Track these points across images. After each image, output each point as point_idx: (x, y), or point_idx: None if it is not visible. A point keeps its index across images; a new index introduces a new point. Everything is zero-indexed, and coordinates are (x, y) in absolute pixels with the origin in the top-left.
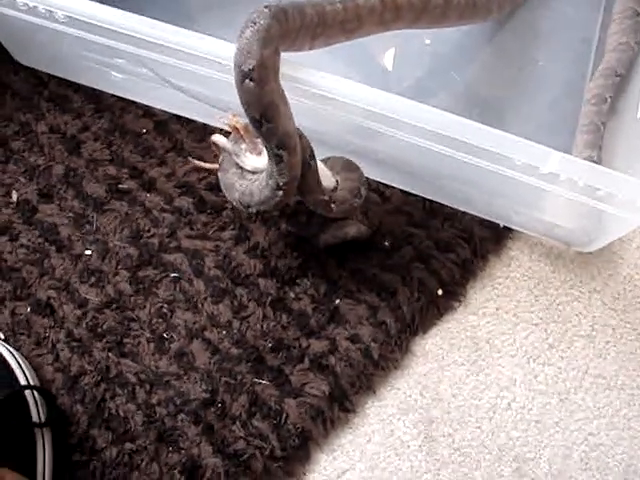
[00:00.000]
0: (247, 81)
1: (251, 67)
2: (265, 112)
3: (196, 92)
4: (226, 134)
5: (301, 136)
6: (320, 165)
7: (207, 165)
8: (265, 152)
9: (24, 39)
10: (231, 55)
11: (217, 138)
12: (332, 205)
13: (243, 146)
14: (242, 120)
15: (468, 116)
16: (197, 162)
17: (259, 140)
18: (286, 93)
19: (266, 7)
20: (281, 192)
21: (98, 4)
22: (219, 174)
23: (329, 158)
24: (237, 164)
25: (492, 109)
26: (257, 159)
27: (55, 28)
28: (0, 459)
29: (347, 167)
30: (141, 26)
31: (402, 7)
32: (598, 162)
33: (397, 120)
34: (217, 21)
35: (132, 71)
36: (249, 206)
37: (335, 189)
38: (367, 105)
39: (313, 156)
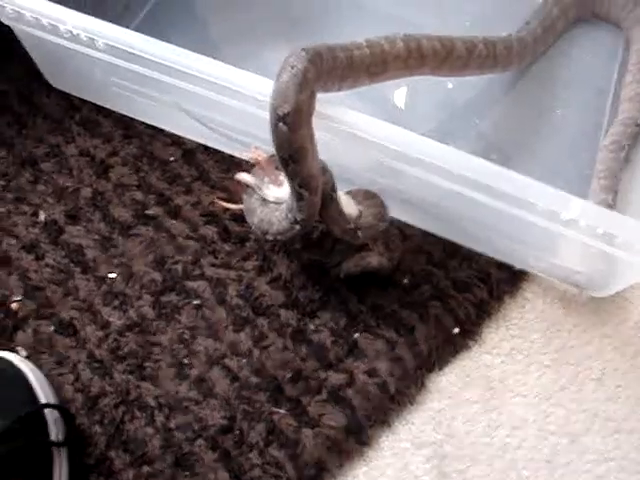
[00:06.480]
0: (281, 124)
1: (286, 112)
2: (294, 154)
3: (225, 127)
4: (251, 165)
5: (325, 170)
6: (343, 196)
7: (233, 206)
8: (286, 183)
9: (59, 64)
10: (266, 90)
11: (241, 176)
12: (358, 232)
13: (266, 179)
14: (264, 153)
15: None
16: (223, 203)
17: (280, 172)
18: (316, 130)
19: (303, 50)
20: (298, 226)
21: (139, 34)
22: (244, 197)
23: (350, 191)
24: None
25: (509, 154)
26: (278, 190)
27: (93, 55)
28: (17, 477)
29: (368, 195)
30: (179, 57)
31: (426, 55)
32: (613, 206)
33: (423, 161)
34: (240, 51)
35: (162, 100)
36: (267, 233)
37: (359, 217)
38: (395, 145)
39: (335, 189)
